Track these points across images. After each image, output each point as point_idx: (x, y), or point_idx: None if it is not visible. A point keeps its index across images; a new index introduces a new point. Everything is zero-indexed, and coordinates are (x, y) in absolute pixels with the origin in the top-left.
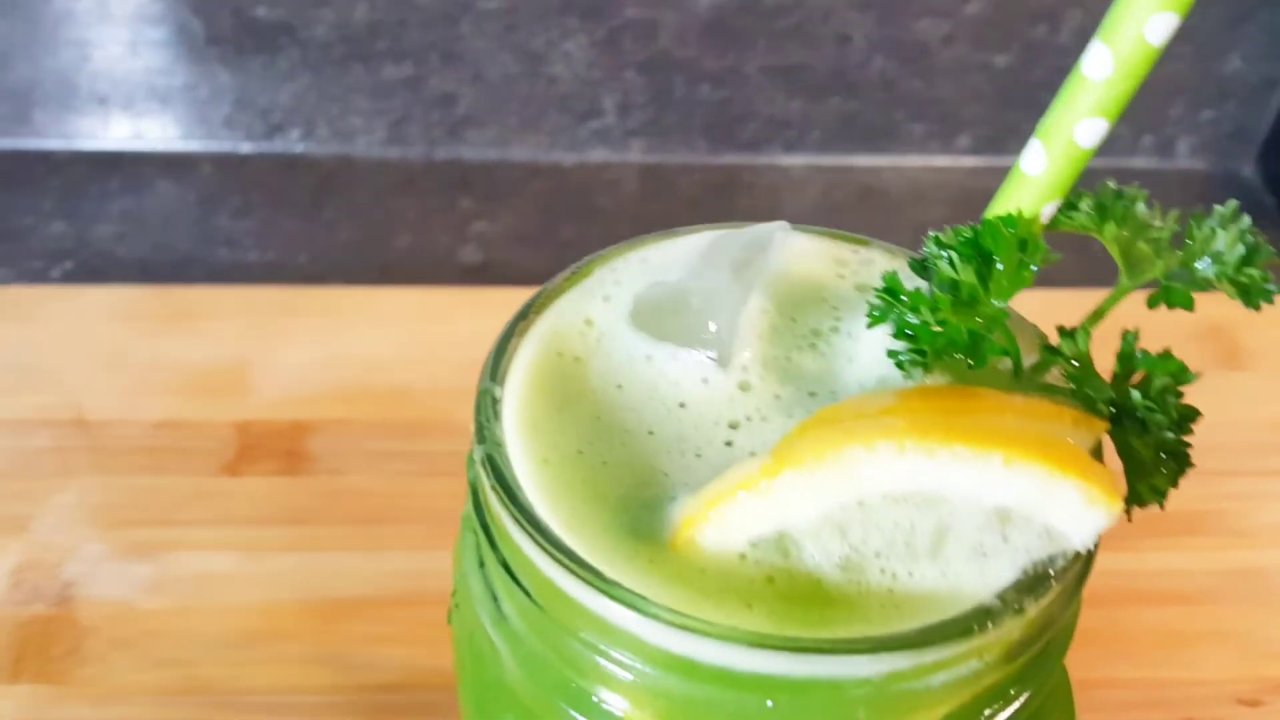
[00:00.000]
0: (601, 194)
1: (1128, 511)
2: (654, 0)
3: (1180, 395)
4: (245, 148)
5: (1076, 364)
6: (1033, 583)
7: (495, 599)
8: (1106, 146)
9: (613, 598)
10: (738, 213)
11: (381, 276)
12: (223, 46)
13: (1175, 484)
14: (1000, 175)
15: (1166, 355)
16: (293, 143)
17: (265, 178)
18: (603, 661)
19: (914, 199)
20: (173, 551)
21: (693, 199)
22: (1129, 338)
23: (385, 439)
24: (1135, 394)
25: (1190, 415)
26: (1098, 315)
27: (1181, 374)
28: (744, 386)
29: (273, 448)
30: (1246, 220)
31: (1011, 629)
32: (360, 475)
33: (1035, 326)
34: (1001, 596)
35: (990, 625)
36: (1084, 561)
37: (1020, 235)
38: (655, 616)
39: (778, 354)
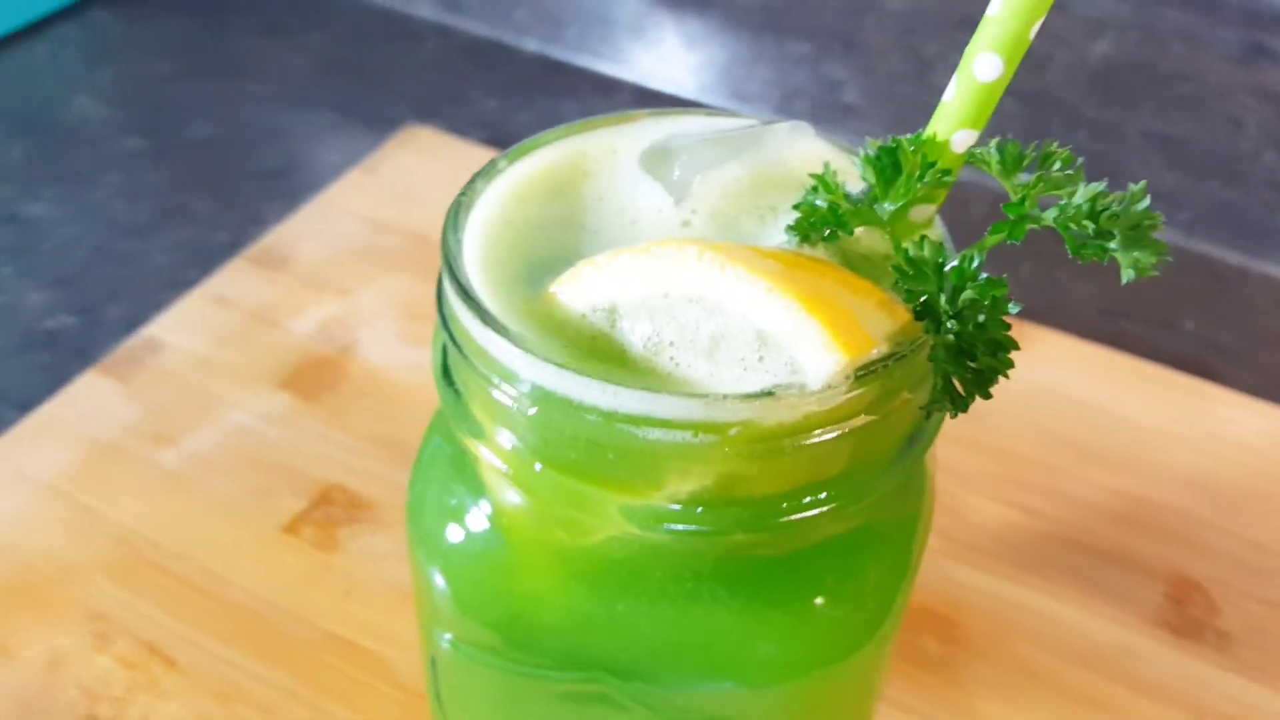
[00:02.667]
0: (952, 209)
1: (927, 410)
2: (1050, 36)
3: (1006, 326)
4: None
5: (912, 261)
6: (758, 395)
7: (446, 335)
8: None
9: (472, 310)
10: (1073, 265)
11: None
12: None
13: (968, 397)
14: None
15: (996, 281)
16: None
17: None
18: (479, 382)
19: (1273, 315)
20: None
21: (1034, 237)
22: (971, 255)
23: None
24: (942, 297)
25: (1006, 345)
26: (980, 247)
27: (1000, 299)
28: (686, 224)
29: None
30: (1137, 202)
31: (720, 418)
32: None
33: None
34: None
35: (694, 401)
36: (818, 399)
37: (927, 154)
38: (492, 327)
39: (728, 211)
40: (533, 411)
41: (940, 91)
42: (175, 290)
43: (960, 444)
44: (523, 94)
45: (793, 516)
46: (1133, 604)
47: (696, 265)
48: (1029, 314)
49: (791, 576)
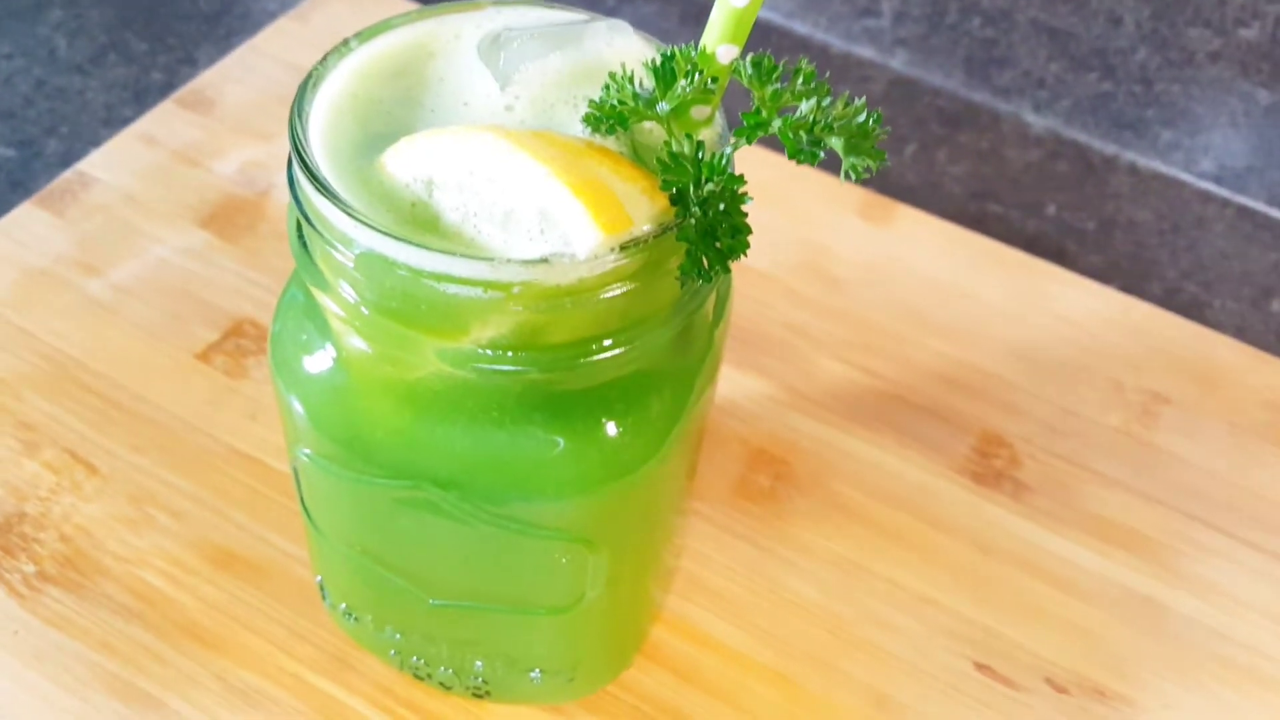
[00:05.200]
0: (850, 87)
1: (681, 280)
2: None
3: (744, 214)
4: None
5: (674, 156)
6: (534, 261)
7: (293, 200)
8: None
9: (310, 179)
10: (955, 146)
11: None
12: None
13: (712, 270)
14: (1236, 214)
15: (736, 177)
16: None
17: None
18: (319, 242)
19: (1136, 204)
20: None
21: (921, 119)
22: (719, 154)
23: None
24: (691, 188)
25: (743, 229)
26: (735, 146)
27: (738, 192)
28: (509, 108)
29: None
30: (857, 115)
31: (504, 278)
32: None
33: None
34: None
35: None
36: (585, 266)
37: (695, 63)
38: (326, 195)
39: (547, 98)
40: (358, 267)
41: None
42: (110, 127)
43: (819, 311)
44: None
45: (579, 361)
46: (942, 454)
47: (492, 148)
48: (906, 194)
49: (584, 408)
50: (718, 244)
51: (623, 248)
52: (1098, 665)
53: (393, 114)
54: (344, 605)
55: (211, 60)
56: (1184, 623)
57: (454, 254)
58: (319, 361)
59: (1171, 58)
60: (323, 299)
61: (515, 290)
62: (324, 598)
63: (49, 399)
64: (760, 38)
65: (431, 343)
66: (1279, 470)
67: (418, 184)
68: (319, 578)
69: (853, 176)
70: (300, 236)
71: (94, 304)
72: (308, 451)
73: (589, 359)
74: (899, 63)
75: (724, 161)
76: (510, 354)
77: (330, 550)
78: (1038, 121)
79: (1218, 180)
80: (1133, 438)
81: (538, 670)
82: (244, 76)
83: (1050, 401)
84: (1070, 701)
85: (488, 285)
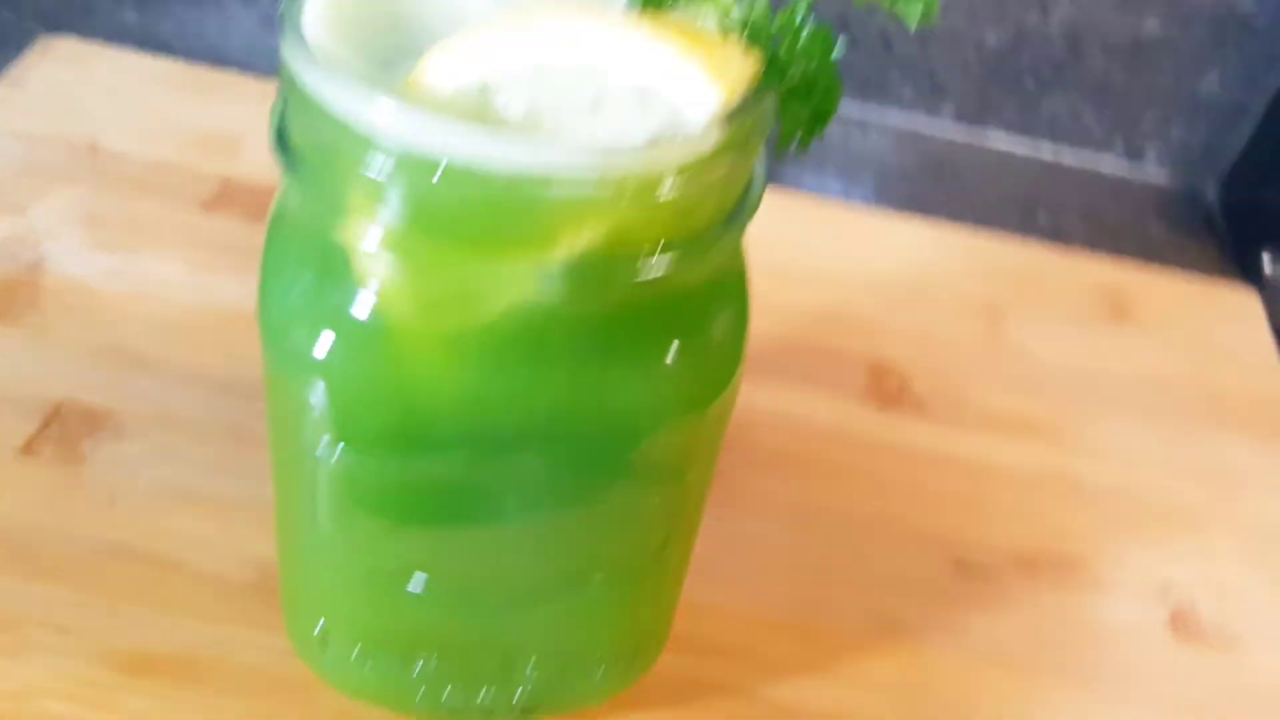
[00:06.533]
0: None
1: (778, 150)
2: None
3: (835, 71)
4: None
5: (746, 23)
6: (653, 140)
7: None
8: (1078, 139)
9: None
10: None
11: None
12: None
13: (809, 133)
14: (983, 152)
15: (824, 29)
16: None
17: None
18: (350, 168)
19: (892, 155)
20: (136, 253)
21: None
22: (794, 9)
23: None
24: (781, 47)
25: (834, 87)
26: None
27: (829, 45)
28: None
29: (245, 200)
30: None
31: (620, 165)
32: None
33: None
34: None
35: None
36: (710, 134)
37: None
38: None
39: None
40: (434, 184)
41: None
42: None
43: None
44: (161, 4)
45: (678, 265)
46: (844, 388)
47: (573, 33)
48: None
49: (672, 321)
50: (809, 107)
51: (738, 110)
52: (1051, 539)
53: (389, 41)
54: (357, 650)
55: None
56: (1099, 489)
57: (561, 144)
58: (347, 330)
59: None
60: (361, 241)
61: (632, 181)
62: (322, 651)
63: None
64: None
65: (514, 266)
66: (1118, 345)
67: (467, 94)
68: (320, 623)
69: (912, 25)
70: (305, 176)
71: None
72: (341, 447)
73: (701, 253)
74: None
75: (802, 17)
76: (608, 265)
77: (350, 581)
78: None
79: (957, 121)
80: (992, 340)
81: (597, 662)
82: None
83: (913, 324)
84: (1046, 577)
85: (600, 179)
